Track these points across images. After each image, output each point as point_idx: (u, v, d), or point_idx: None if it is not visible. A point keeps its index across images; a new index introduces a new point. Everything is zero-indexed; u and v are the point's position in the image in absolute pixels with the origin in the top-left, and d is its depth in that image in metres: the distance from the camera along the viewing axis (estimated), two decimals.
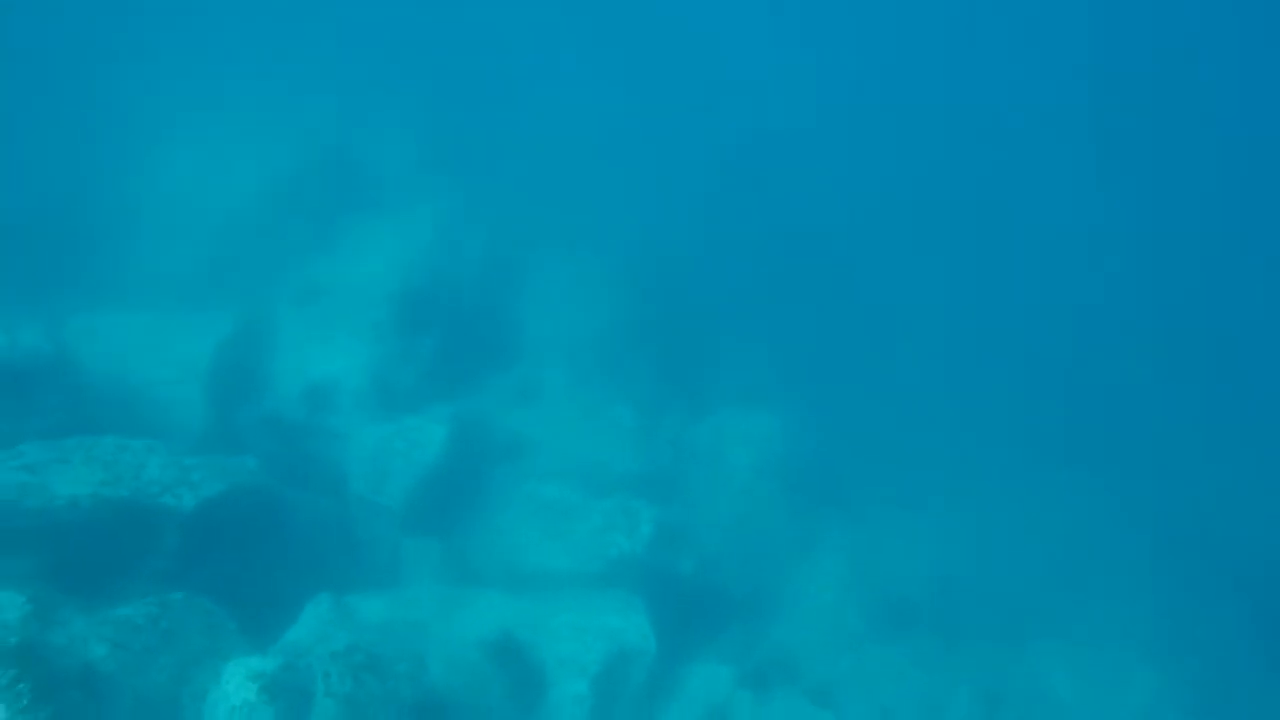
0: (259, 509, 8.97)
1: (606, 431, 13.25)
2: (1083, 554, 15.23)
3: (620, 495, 11.57)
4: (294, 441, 11.31)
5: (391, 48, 19.61)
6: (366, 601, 9.16)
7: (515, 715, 8.84)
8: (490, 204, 16.14)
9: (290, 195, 14.89)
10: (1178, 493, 16.60)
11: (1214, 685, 13.27)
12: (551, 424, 13.04)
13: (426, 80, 19.12)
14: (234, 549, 8.69)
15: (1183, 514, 16.23)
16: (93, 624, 6.51)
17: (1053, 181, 24.11)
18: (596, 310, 15.25)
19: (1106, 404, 18.33)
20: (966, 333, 19.23)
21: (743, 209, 19.32)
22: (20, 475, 7.56)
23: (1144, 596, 14.53)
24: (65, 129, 14.28)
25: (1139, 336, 20.08)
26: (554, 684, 8.84)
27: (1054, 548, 15.28)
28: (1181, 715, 12.49)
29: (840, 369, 16.89)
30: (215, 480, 8.49)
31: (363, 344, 12.10)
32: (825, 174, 21.78)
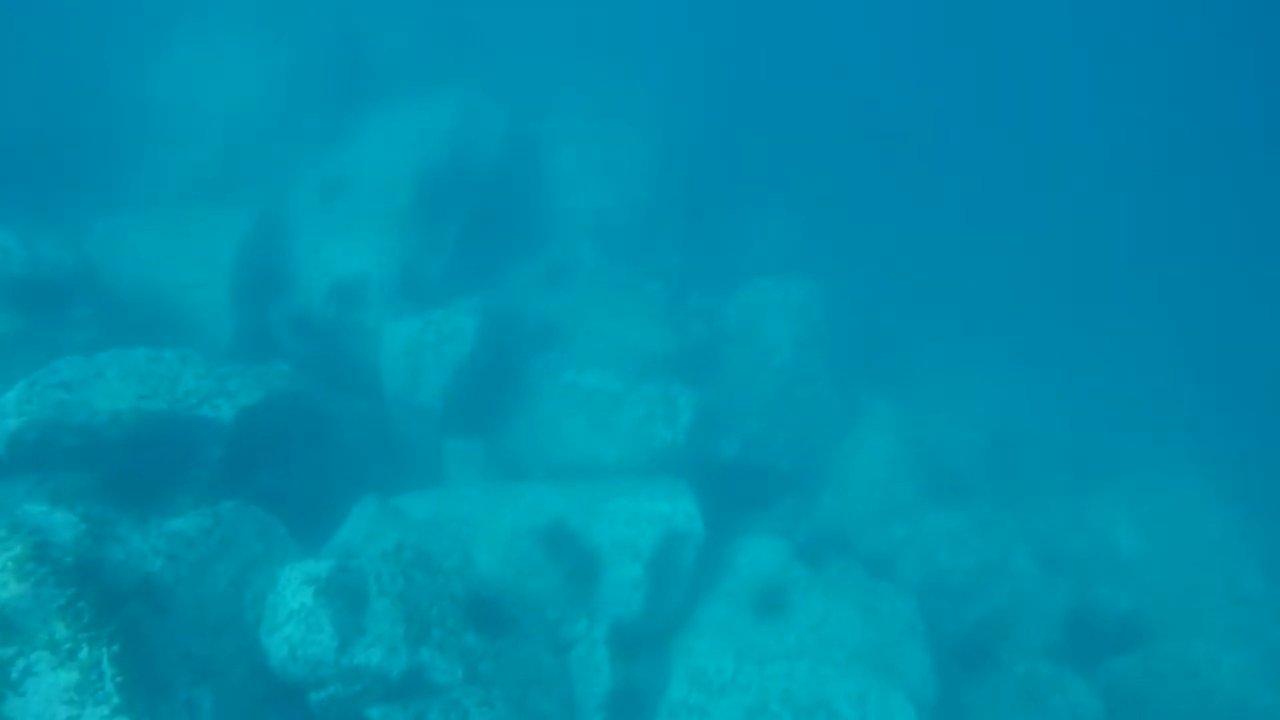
0: (297, 415, 8.87)
1: (640, 311, 12.85)
2: (1134, 398, 14.85)
3: (659, 380, 11.28)
4: (325, 342, 11.14)
5: None
6: (412, 501, 9.17)
7: (570, 601, 8.93)
8: (512, 82, 15.23)
9: (305, 86, 14.20)
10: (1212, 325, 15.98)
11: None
12: (584, 307, 12.66)
13: None
14: (276, 456, 8.66)
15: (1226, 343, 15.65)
16: (147, 538, 6.52)
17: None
18: (624, 185, 14.57)
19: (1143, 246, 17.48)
20: (1007, 185, 18.21)
21: (773, 71, 18.04)
22: (59, 393, 7.45)
23: (1202, 433, 14.15)
24: (74, 31, 13.54)
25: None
26: (607, 568, 8.87)
27: (1103, 396, 14.91)
28: (1254, 557, 12.19)
29: (877, 231, 16.20)
30: (252, 388, 8.35)
31: (386, 237, 11.68)
32: (860, 32, 20.17)
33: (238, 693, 6.73)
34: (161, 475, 7.98)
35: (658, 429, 10.90)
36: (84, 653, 5.63)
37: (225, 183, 13.26)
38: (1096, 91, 21.18)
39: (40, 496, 7.48)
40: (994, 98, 19.87)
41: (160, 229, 11.36)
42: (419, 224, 12.01)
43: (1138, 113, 21.12)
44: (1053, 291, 16.62)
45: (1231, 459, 13.36)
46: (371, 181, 12.55)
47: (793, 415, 12.74)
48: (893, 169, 17.42)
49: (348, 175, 12.66)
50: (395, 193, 12.25)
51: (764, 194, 15.90)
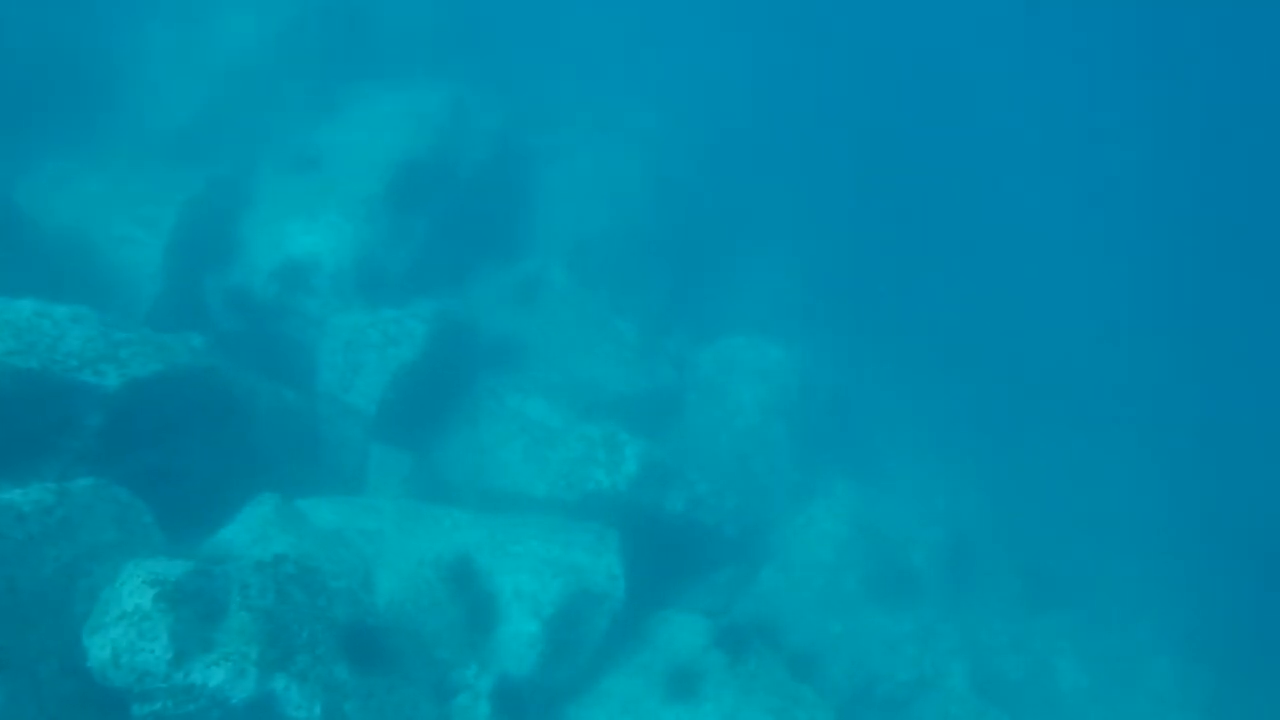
0: (201, 394, 8.00)
1: (606, 345, 12.10)
2: (1101, 521, 14.13)
3: (608, 422, 10.46)
4: (261, 321, 10.29)
5: None
6: (318, 506, 8.25)
7: (465, 645, 8.04)
8: (513, 85, 14.65)
9: (300, 51, 13.43)
10: (1205, 462, 15.34)
11: (1235, 680, 12.22)
12: (548, 332, 11.88)
13: None
14: (170, 436, 7.79)
15: (1211, 484, 14.98)
16: None
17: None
18: (612, 212, 13.88)
19: (1136, 360, 16.89)
20: (995, 272, 17.68)
21: (779, 116, 17.56)
22: None
23: (1166, 573, 13.42)
24: None
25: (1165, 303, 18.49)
26: (505, 619, 7.99)
27: (1071, 514, 14.20)
28: (1198, 713, 11.46)
29: (863, 298, 15.51)
30: (149, 359, 7.49)
31: (351, 222, 10.88)
32: (870, 89, 19.79)
33: (41, 689, 5.82)
34: (25, 439, 7.11)
35: (595, 472, 10.06)
36: None
37: (199, 141, 12.51)
38: (1088, 184, 20.86)
39: None
40: (988, 186, 19.49)
41: (111, 178, 10.58)
42: (389, 213, 11.25)
43: (1131, 206, 20.79)
44: (1036, 381, 15.99)
45: (1194, 604, 12.62)
46: (348, 160, 11.80)
47: (747, 481, 11.93)
48: (892, 241, 16.85)
49: (324, 150, 11.92)
50: (370, 176, 11.50)
51: (757, 243, 15.26)
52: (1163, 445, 15.29)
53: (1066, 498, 14.45)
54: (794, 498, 12.13)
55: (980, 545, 12.89)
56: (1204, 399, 16.58)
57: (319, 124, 12.55)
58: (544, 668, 7.87)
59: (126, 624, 5.95)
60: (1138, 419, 15.44)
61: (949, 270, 16.78)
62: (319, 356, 10.10)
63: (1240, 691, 12.07)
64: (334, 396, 9.98)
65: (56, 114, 12.21)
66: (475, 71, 14.23)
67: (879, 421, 14.42)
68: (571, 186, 13.49)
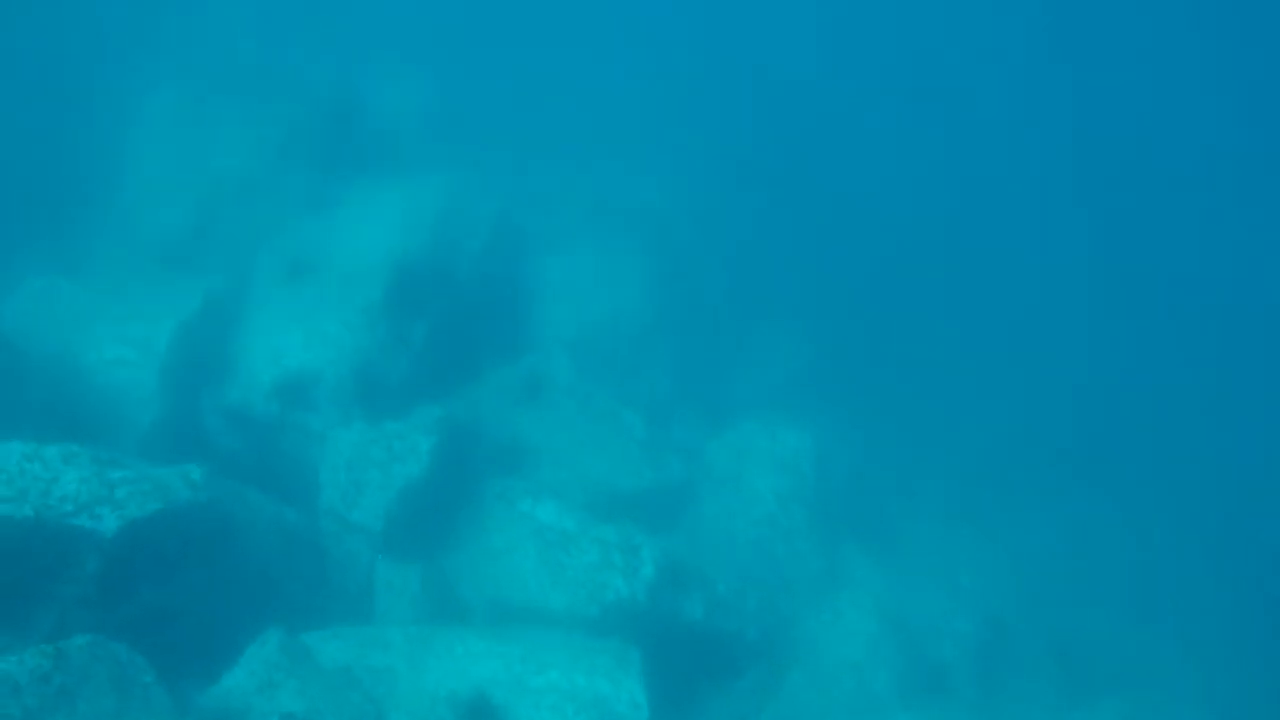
0: (201, 530, 7.77)
1: (614, 442, 11.95)
2: (1136, 592, 13.85)
3: (623, 523, 10.25)
4: (261, 439, 10.12)
5: None
6: (325, 642, 7.96)
7: None
8: (506, 172, 14.79)
9: (286, 151, 13.53)
10: (1238, 519, 15.14)
11: None
12: (555, 430, 11.73)
13: (442, 32, 17.69)
14: (168, 575, 7.54)
15: (1248, 543, 14.76)
16: None
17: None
18: (614, 299, 13.87)
19: (1168, 423, 16.81)
20: (1018, 344, 17.73)
21: (780, 196, 17.80)
22: None
23: (1209, 648, 13.09)
24: (39, 70, 13.08)
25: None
26: None
27: (1104, 584, 13.92)
28: None
29: (880, 385, 15.45)
30: (146, 498, 7.29)
31: (349, 331, 10.78)
32: (873, 160, 20.16)
33: None
34: (21, 589, 6.86)
35: (613, 579, 9.82)
36: None
37: (191, 250, 12.48)
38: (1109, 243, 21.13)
39: None
40: (994, 249, 19.71)
41: (99, 294, 10.49)
42: (387, 319, 11.17)
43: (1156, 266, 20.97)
44: (1064, 451, 15.84)
45: (1243, 683, 12.27)
46: (343, 264, 11.76)
47: (768, 575, 11.68)
48: (901, 310, 16.91)
49: (318, 255, 11.89)
50: (366, 281, 11.44)
51: (762, 321, 15.27)
52: (1193, 504, 15.15)
53: (1098, 566, 14.21)
54: (817, 589, 11.86)
55: (1012, 630, 12.57)
56: (1228, 447, 16.47)
57: (313, 226, 12.55)
58: None
59: None
60: (1166, 476, 15.31)
61: (960, 337, 16.81)
62: (321, 474, 9.89)
63: None
64: (338, 514, 9.75)
65: (38, 227, 12.22)
66: (469, 159, 14.38)
67: (898, 498, 14.25)
68: (570, 274, 13.52)
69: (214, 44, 14.40)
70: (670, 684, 9.18)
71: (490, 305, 12.52)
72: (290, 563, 9.10)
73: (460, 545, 10.18)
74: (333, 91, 14.16)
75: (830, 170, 18.66)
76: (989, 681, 11.44)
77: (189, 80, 13.67)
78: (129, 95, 13.51)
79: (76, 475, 7.00)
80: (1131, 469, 15.41)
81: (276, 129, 13.51)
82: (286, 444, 10.27)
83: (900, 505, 14.15)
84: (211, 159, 13.10)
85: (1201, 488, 15.38)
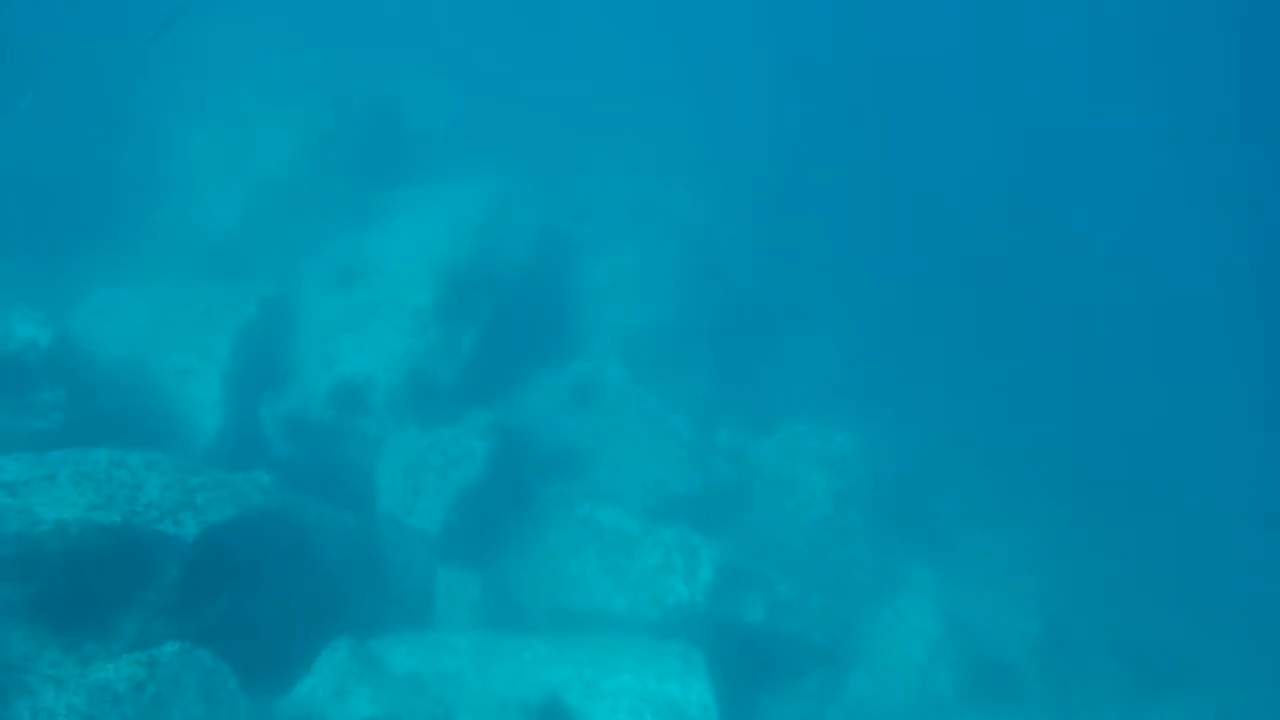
0: (273, 535, 7.99)
1: (664, 444, 12.08)
2: (1207, 586, 13.66)
3: (679, 525, 10.39)
4: (319, 446, 10.35)
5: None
6: (392, 648, 8.14)
7: None
8: (550, 176, 14.96)
9: (337, 160, 13.85)
10: None
11: None
12: (608, 434, 11.87)
13: (485, 35, 17.94)
14: (244, 581, 7.74)
15: None
16: (63, 693, 5.60)
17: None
18: (660, 301, 13.97)
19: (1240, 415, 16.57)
20: (1070, 339, 17.60)
21: (821, 196, 17.83)
22: None
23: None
24: (89, 85, 13.45)
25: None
26: None
27: (1180, 588, 13.74)
28: None
29: (925, 384, 15.41)
30: (224, 503, 7.50)
31: (400, 336, 11.02)
32: (912, 156, 20.13)
33: None
34: (107, 595, 7.08)
35: (674, 582, 9.94)
36: None
37: (242, 257, 12.82)
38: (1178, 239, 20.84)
39: None
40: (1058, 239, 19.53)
41: (159, 305, 10.79)
42: (437, 325, 11.39)
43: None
44: (1126, 439, 15.67)
45: None
46: (391, 272, 12.00)
47: (827, 576, 11.72)
48: (945, 310, 16.84)
49: (367, 262, 12.14)
50: (415, 287, 11.68)
51: (808, 321, 15.30)
52: (1259, 499, 14.94)
53: (1161, 562, 14.06)
54: (877, 590, 11.87)
55: (1079, 627, 12.49)
56: None
57: (360, 233, 12.82)
58: None
59: None
60: (1229, 471, 15.12)
61: (1009, 333, 16.71)
62: (378, 479, 10.11)
63: None
64: (396, 520, 9.95)
65: (96, 240, 12.59)
66: (512, 164, 14.57)
67: (950, 498, 14.20)
68: (616, 278, 13.64)
69: (260, 55, 14.72)
70: (733, 686, 9.27)
71: (538, 310, 12.69)
72: (354, 569, 9.29)
73: (518, 550, 10.34)
74: (375, 100, 14.45)
75: (870, 168, 18.65)
76: (1056, 680, 11.38)
77: (236, 91, 14.00)
78: (179, 107, 13.86)
79: (160, 481, 7.22)
80: (1193, 463, 15.23)
81: (322, 138, 13.83)
82: (343, 450, 10.49)
83: (953, 505, 14.09)
84: (259, 167, 13.42)
85: (1267, 483, 15.18)
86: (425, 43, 16.87)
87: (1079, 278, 18.42)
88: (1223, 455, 15.60)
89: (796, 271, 15.95)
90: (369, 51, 15.71)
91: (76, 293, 11.03)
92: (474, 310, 11.93)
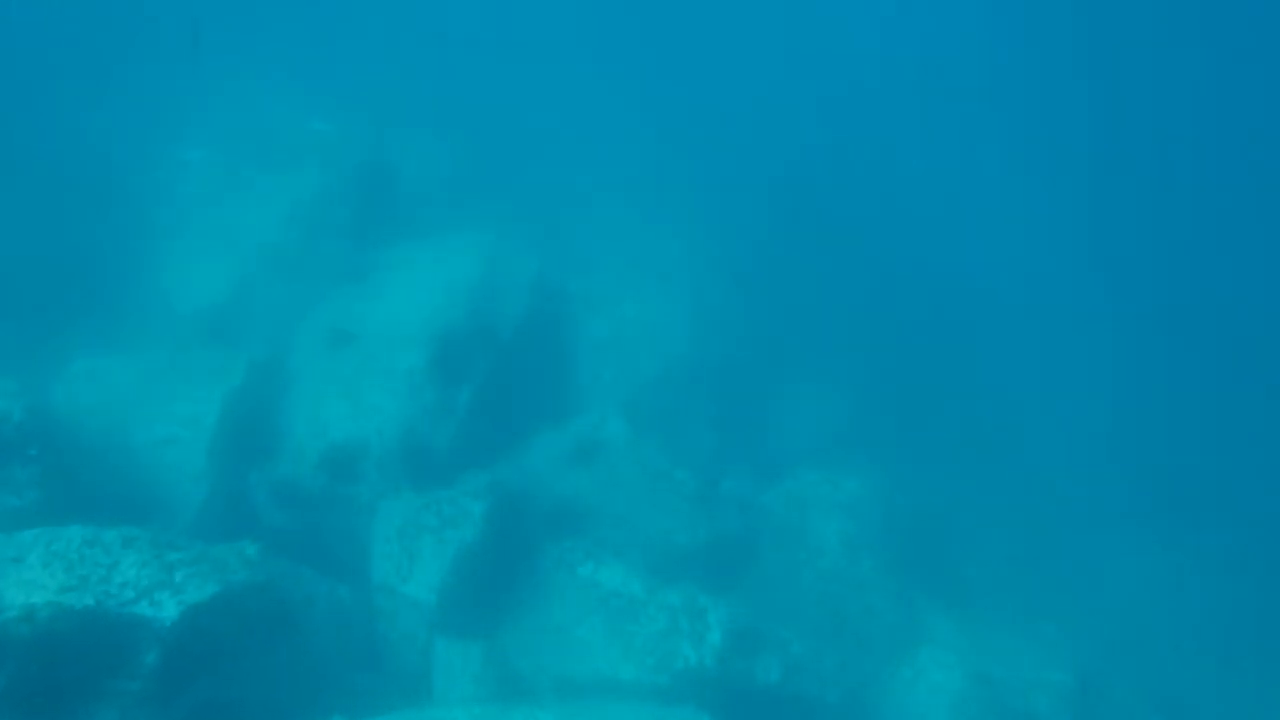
0: (259, 612, 7.68)
1: (667, 499, 11.80)
2: (1250, 637, 13.21)
3: (685, 585, 10.05)
4: (310, 513, 10.08)
5: (432, 55, 18.69)
6: None
7: None
8: (545, 228, 14.94)
9: (321, 221, 13.85)
10: None
11: None
12: (610, 491, 11.59)
13: (476, 90, 18.13)
14: (229, 664, 7.43)
15: None
16: None
17: None
18: (660, 353, 13.83)
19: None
20: (1083, 381, 17.37)
21: (819, 243, 17.81)
22: None
23: None
24: (73, 150, 13.53)
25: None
26: None
27: (1214, 636, 13.30)
28: None
29: (934, 430, 15.15)
30: (205, 580, 7.22)
31: (393, 399, 10.83)
32: (911, 200, 20.19)
33: None
34: (81, 684, 6.78)
35: (681, 646, 9.58)
36: None
37: (232, 321, 12.72)
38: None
39: None
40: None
41: (144, 373, 10.62)
42: (431, 386, 11.20)
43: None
44: (1142, 486, 15.33)
45: None
46: (383, 332, 11.87)
47: (843, 631, 11.32)
48: (950, 355, 16.65)
49: (358, 323, 12.02)
50: (407, 347, 11.52)
51: (813, 370, 15.10)
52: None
53: (1192, 609, 13.64)
54: (895, 645, 11.47)
55: (1112, 679, 12.05)
56: None
57: (352, 293, 12.73)
58: None
59: None
60: (1257, 511, 14.75)
61: (1019, 376, 16.50)
62: (372, 546, 9.81)
63: None
64: (391, 589, 9.61)
65: (78, 307, 12.49)
66: (506, 217, 14.55)
67: (967, 546, 13.84)
68: (615, 330, 13.52)
69: (244, 116, 14.84)
70: None
71: (535, 367, 12.53)
72: (346, 645, 8.97)
73: (520, 617, 9.97)
74: (366, 158, 14.48)
75: (869, 214, 18.65)
76: None
77: (221, 153, 14.06)
78: (162, 171, 13.91)
79: (136, 559, 6.97)
80: (1220, 504, 14.87)
81: (309, 198, 13.83)
82: (336, 517, 10.23)
83: (971, 553, 13.74)
84: (246, 230, 13.39)
85: None
86: (414, 99, 17.01)
87: (1086, 319, 18.28)
88: (1248, 492, 15.24)
89: (800, 318, 15.82)
90: (359, 111, 15.83)
91: (60, 362, 10.87)
92: (469, 369, 11.76)
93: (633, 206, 16.37)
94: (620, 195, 16.51)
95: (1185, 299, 19.99)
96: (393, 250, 13.53)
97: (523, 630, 9.76)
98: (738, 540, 11.83)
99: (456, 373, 11.61)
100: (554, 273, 13.87)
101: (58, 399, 9.66)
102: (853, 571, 11.93)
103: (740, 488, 12.74)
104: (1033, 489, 14.78)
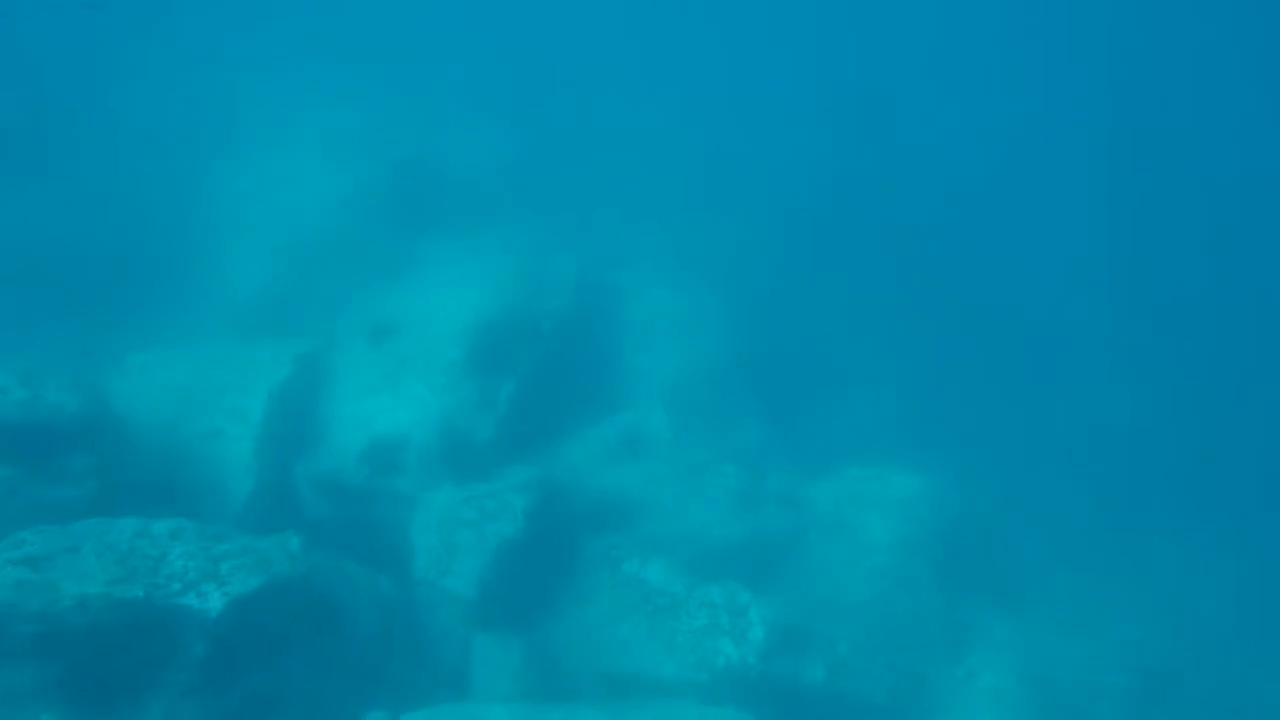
0: (302, 604, 7.82)
1: (711, 493, 11.71)
2: None
3: (726, 582, 9.98)
4: (352, 506, 10.22)
5: (477, 49, 18.79)
6: None
7: None
8: (586, 222, 14.93)
9: (366, 215, 14.04)
10: None
11: None
12: (653, 482, 11.52)
13: (515, 83, 18.17)
14: (272, 655, 7.58)
15: None
16: None
17: None
18: (702, 347, 13.70)
19: None
20: (1149, 371, 16.76)
21: (871, 217, 17.44)
22: (19, 571, 6.63)
23: None
24: (133, 145, 13.90)
25: None
26: None
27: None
28: None
29: (991, 423, 14.75)
30: (249, 572, 7.38)
31: (433, 393, 10.91)
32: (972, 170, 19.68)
33: None
34: (132, 675, 6.97)
35: (722, 644, 9.50)
36: None
37: (279, 316, 12.96)
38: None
39: None
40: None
41: (196, 366, 10.88)
42: (471, 379, 11.27)
43: None
44: (1210, 482, 14.74)
45: None
46: (425, 326, 11.94)
47: (891, 632, 11.12)
48: (1007, 344, 16.20)
49: (400, 317, 12.12)
50: (448, 341, 11.59)
51: (861, 362, 14.83)
52: None
53: (1262, 608, 13.10)
54: (947, 645, 11.23)
55: (1179, 682, 11.64)
56: None
57: (394, 287, 12.85)
58: None
59: None
60: None
61: (1080, 365, 16.00)
62: (412, 540, 9.90)
63: None
64: (431, 582, 9.67)
65: (137, 301, 12.85)
66: (549, 210, 14.58)
67: (1025, 544, 13.46)
68: (657, 323, 13.43)
69: (296, 109, 15.08)
70: None
71: (576, 360, 12.50)
72: (387, 638, 9.06)
73: (562, 613, 9.99)
74: (409, 152, 14.62)
75: (920, 203, 18.24)
76: None
77: (270, 146, 14.32)
78: (213, 164, 14.22)
79: (183, 551, 7.15)
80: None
81: (355, 192, 14.01)
82: (377, 510, 10.34)
83: (1029, 551, 13.37)
84: (294, 223, 13.62)
85: None
86: (458, 92, 17.11)
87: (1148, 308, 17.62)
88: None
89: (847, 309, 15.55)
90: (404, 102, 15.99)
91: (116, 355, 11.20)
92: (510, 362, 11.79)
93: (676, 200, 16.26)
94: (664, 189, 16.40)
95: (1227, 291, 19.19)
96: (436, 243, 13.64)
97: (563, 626, 9.78)
98: (782, 536, 11.69)
99: (498, 366, 11.65)
100: (596, 266, 13.85)
101: (114, 391, 9.93)
102: (902, 570, 11.70)
103: (786, 483, 12.59)
104: (1084, 488, 14.32)
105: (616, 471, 11.39)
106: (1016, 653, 11.10)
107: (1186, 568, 13.27)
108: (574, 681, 9.38)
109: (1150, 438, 15.00)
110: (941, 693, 10.65)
